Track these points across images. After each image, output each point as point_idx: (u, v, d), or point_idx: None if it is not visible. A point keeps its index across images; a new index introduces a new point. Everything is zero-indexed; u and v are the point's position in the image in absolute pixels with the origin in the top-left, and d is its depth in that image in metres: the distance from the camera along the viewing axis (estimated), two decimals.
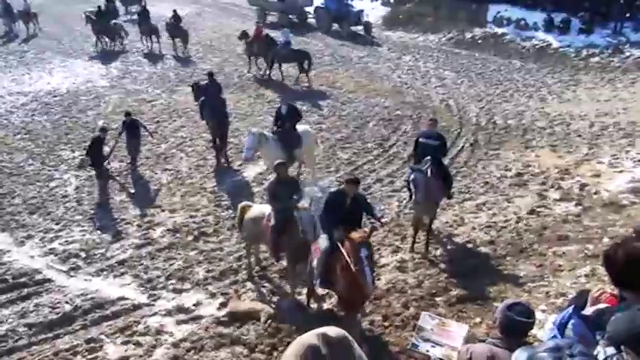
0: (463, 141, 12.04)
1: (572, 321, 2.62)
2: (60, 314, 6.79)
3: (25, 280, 7.51)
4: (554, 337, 2.61)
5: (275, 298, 7.05)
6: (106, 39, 20.70)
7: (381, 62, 19.13)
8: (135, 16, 22.87)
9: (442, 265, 7.58)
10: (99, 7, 21.43)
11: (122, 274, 7.64)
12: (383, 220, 7.51)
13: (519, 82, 16.44)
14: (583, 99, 14.64)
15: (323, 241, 5.85)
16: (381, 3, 26.73)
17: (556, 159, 10.91)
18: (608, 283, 2.72)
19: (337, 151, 11.70)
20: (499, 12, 21.74)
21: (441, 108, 14.39)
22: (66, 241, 8.50)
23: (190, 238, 8.49)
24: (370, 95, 15.42)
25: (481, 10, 22.22)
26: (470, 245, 8.08)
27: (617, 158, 10.69)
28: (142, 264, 7.85)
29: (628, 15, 18.89)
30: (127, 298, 7.09)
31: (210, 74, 12.07)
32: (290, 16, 24.59)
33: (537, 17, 20.62)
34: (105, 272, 7.69)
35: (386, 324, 6.37)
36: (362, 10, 23.69)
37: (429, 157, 7.50)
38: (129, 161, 11.05)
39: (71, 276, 7.63)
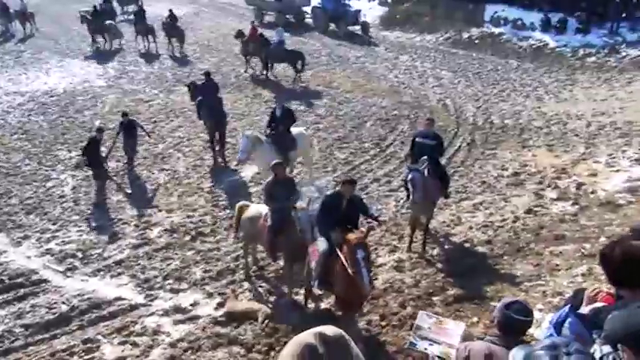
0: (460, 140, 12.06)
1: (568, 320, 2.63)
2: (57, 315, 6.77)
3: (21, 280, 7.48)
4: (551, 335, 2.62)
5: (272, 298, 7.04)
6: (102, 39, 20.67)
7: (379, 62, 19.15)
8: (131, 16, 22.84)
9: (439, 265, 7.59)
10: (94, 6, 21.41)
11: (119, 274, 7.62)
12: (380, 219, 7.50)
13: (516, 81, 16.47)
14: (580, 98, 14.67)
15: (321, 244, 5.85)
16: (378, 3, 26.76)
17: (553, 158, 10.93)
18: (605, 282, 2.73)
19: (334, 150, 11.70)
20: (496, 12, 21.79)
21: (438, 108, 14.41)
22: (63, 242, 8.48)
23: (187, 238, 8.48)
24: (367, 95, 15.43)
25: (478, 10, 22.26)
26: (467, 245, 8.09)
27: (614, 157, 10.70)
28: (139, 264, 7.83)
29: (624, 15, 18.96)
30: (124, 299, 7.07)
31: (208, 74, 12.07)
32: (287, 16, 24.60)
33: (534, 17, 20.67)
34: (102, 272, 7.67)
35: (383, 323, 6.37)
36: (359, 10, 23.69)
37: (426, 157, 7.50)
38: (126, 161, 11.03)
39: (68, 276, 7.61)
